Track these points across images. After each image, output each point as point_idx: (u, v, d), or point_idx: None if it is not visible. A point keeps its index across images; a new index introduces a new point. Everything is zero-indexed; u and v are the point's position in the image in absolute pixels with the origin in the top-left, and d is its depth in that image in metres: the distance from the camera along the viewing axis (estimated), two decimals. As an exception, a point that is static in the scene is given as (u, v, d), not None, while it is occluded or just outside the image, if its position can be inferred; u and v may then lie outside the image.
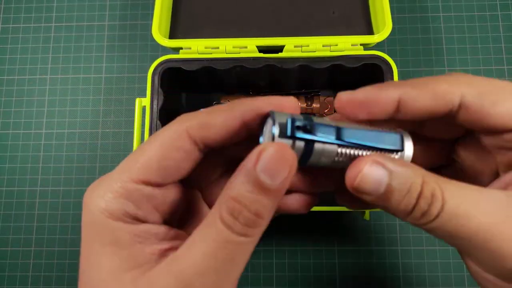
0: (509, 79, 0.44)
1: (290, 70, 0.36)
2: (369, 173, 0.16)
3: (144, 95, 0.34)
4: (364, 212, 0.34)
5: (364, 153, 0.17)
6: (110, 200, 0.16)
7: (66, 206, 0.43)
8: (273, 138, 0.16)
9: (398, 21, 0.46)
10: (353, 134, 0.17)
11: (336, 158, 0.17)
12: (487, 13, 0.46)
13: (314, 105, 0.40)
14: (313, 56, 0.35)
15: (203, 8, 0.40)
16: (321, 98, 0.41)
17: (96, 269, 0.16)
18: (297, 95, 0.41)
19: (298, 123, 0.16)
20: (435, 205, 0.15)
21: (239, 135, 0.18)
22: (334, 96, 0.41)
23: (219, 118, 0.17)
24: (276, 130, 0.16)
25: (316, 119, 0.17)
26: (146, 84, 0.34)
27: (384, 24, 0.35)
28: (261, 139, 0.17)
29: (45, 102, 0.46)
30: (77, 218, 0.43)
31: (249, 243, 0.16)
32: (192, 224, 0.20)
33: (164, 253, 0.17)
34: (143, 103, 0.34)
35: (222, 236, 0.15)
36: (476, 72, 0.44)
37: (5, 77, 0.47)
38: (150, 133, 0.33)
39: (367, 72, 0.36)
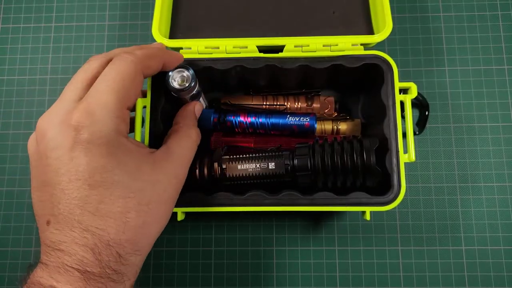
0: (510, 79, 0.44)
1: (290, 70, 0.35)
2: None
3: (145, 95, 0.34)
4: (364, 212, 0.34)
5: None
6: (119, 123, 0.25)
7: (67, 206, 0.43)
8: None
9: (398, 21, 0.46)
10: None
11: None
12: (488, 13, 0.46)
13: (314, 105, 0.40)
14: (313, 56, 0.35)
15: (203, 8, 0.40)
16: (321, 98, 0.41)
17: (125, 164, 0.24)
18: (297, 95, 0.41)
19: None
20: None
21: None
22: (335, 96, 0.41)
23: (156, 63, 0.29)
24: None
25: None
26: (146, 84, 0.34)
27: (384, 24, 0.35)
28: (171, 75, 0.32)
29: (45, 103, 0.46)
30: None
31: None
32: None
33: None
34: (144, 103, 0.34)
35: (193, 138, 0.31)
36: (477, 72, 0.44)
37: (5, 77, 0.47)
38: (151, 133, 0.33)
39: (368, 72, 0.36)
